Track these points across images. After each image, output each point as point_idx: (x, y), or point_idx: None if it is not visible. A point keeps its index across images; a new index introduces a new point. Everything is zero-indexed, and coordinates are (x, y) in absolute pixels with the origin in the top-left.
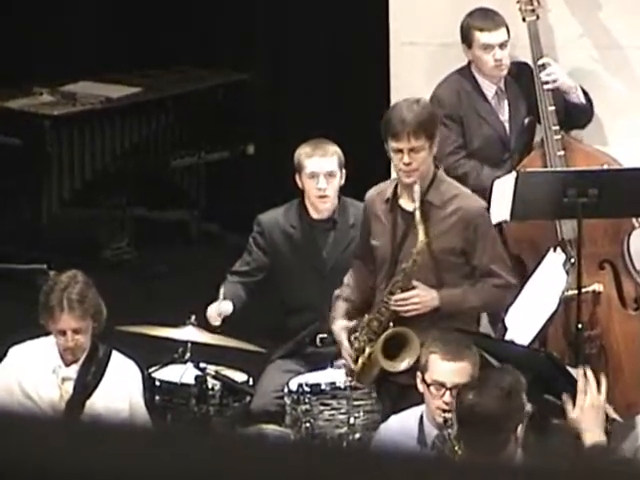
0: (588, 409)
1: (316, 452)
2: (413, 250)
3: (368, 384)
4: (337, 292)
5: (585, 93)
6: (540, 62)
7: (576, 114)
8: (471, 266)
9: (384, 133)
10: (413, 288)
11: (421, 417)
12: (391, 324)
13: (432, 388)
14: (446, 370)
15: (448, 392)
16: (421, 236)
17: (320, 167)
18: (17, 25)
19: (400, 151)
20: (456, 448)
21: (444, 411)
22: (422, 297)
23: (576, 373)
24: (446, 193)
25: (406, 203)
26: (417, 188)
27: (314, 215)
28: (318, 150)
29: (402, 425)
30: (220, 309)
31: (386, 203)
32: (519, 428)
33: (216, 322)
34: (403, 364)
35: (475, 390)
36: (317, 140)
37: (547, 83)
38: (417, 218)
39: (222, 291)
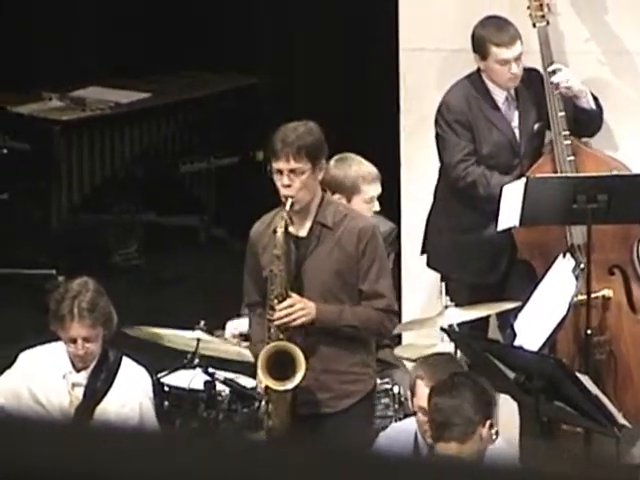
0: None
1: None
2: (274, 246)
3: (284, 421)
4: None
5: (595, 99)
6: (550, 69)
7: (586, 120)
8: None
9: (268, 153)
10: (289, 296)
11: (416, 432)
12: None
13: (419, 413)
14: None
15: None
16: (279, 232)
17: (377, 191)
18: (26, 31)
19: (280, 172)
20: None
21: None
22: (305, 302)
23: (585, 379)
24: (336, 214)
25: (295, 229)
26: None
27: None
28: (374, 174)
29: (400, 435)
30: (236, 328)
31: (274, 233)
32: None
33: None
34: (293, 381)
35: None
36: (355, 158)
37: (559, 86)
38: (284, 215)
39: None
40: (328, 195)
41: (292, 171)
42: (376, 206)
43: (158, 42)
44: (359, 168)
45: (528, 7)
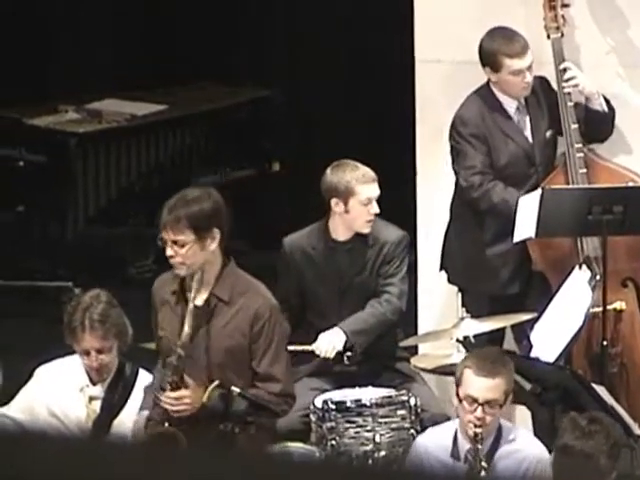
0: None
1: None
2: (177, 343)
3: None
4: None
5: (607, 102)
6: (561, 67)
7: (597, 123)
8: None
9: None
10: (184, 384)
11: (456, 431)
12: (165, 423)
13: (464, 402)
14: (479, 386)
15: (480, 407)
16: (187, 328)
17: (374, 193)
18: (42, 43)
19: (166, 242)
20: (483, 463)
21: (475, 425)
22: (193, 397)
23: (601, 390)
24: (235, 288)
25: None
26: (197, 277)
27: (336, 236)
28: (368, 175)
29: (437, 438)
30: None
31: (173, 295)
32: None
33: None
34: None
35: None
36: (350, 163)
37: (568, 83)
38: (189, 308)
39: None
40: (232, 265)
41: (175, 242)
42: (375, 208)
43: (173, 55)
44: (353, 171)
45: (544, 18)
